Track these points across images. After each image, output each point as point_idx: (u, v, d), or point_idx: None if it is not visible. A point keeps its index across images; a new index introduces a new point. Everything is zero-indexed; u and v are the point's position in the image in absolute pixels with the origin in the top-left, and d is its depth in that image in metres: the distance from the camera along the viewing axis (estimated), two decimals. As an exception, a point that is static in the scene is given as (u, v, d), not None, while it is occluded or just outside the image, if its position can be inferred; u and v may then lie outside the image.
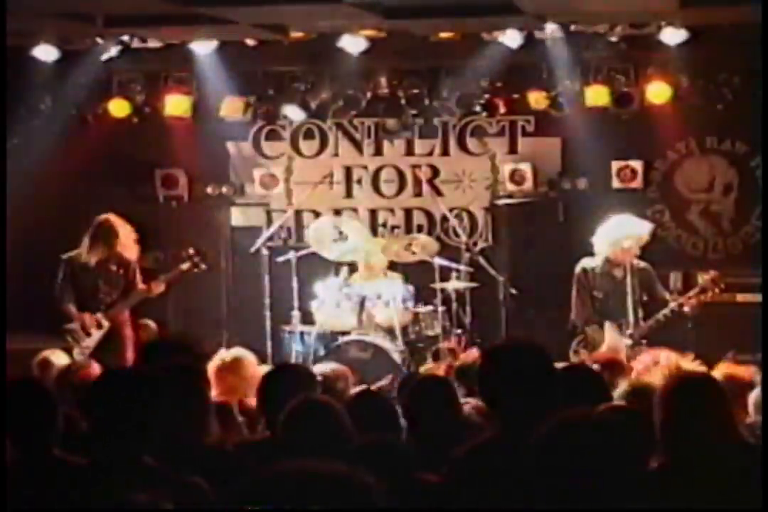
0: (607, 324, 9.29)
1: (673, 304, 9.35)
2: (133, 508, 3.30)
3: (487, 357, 4.32)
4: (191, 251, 9.68)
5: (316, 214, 11.78)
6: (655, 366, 6.62)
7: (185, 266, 9.63)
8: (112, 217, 9.58)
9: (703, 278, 9.48)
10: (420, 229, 11.71)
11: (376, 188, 11.90)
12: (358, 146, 11.89)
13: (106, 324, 9.45)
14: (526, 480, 3.19)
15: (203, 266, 9.68)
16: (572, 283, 9.57)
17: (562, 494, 3.12)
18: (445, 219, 11.51)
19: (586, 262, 9.53)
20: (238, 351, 7.08)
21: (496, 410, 4.21)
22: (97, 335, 9.44)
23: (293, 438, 4.49)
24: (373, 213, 11.87)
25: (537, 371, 4.12)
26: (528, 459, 3.21)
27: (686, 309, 9.30)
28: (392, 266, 10.93)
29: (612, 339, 9.18)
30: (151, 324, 10.03)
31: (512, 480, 3.46)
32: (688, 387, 4.22)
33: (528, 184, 11.43)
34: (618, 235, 9.35)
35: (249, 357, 6.99)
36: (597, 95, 10.67)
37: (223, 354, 6.83)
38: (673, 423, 4.10)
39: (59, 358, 7.78)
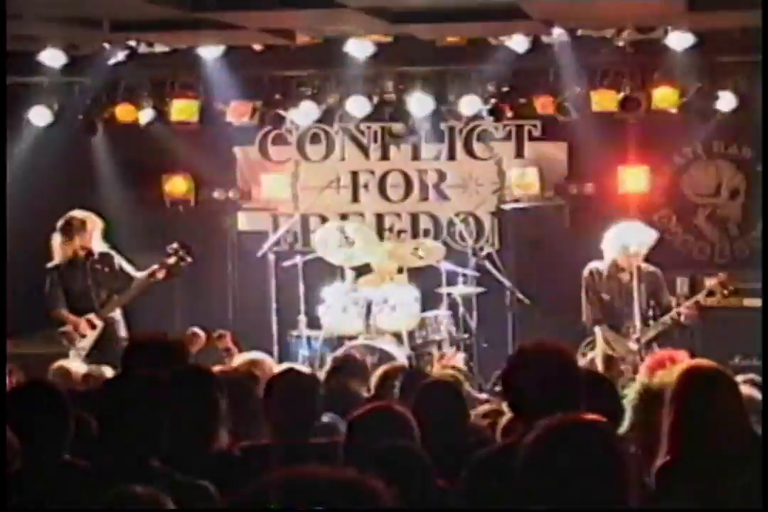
0: (625, 327, 9.29)
1: (680, 308, 9.34)
2: (132, 503, 3.34)
3: (513, 360, 4.28)
4: (175, 245, 9.68)
5: (323, 219, 11.79)
6: (672, 363, 6.56)
7: (171, 260, 9.63)
8: (77, 213, 9.62)
9: (710, 281, 9.47)
10: (426, 233, 11.72)
11: (383, 193, 11.91)
12: (364, 151, 11.90)
13: (99, 324, 9.49)
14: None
15: (189, 259, 9.66)
16: (580, 287, 9.57)
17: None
18: (451, 223, 11.51)
19: (593, 265, 9.53)
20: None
21: (521, 414, 4.17)
22: (91, 336, 9.48)
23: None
24: (380, 217, 11.88)
25: (563, 374, 4.09)
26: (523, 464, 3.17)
27: (683, 317, 9.27)
28: (399, 270, 10.93)
29: (622, 344, 9.18)
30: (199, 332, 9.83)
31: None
32: (702, 380, 4.21)
33: (534, 189, 11.43)
34: (623, 241, 9.35)
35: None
36: (604, 100, 10.66)
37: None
38: (686, 418, 4.08)
39: (77, 367, 7.79)
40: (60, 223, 9.59)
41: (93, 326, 9.50)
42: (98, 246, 9.61)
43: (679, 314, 9.27)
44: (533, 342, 4.34)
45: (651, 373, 6.62)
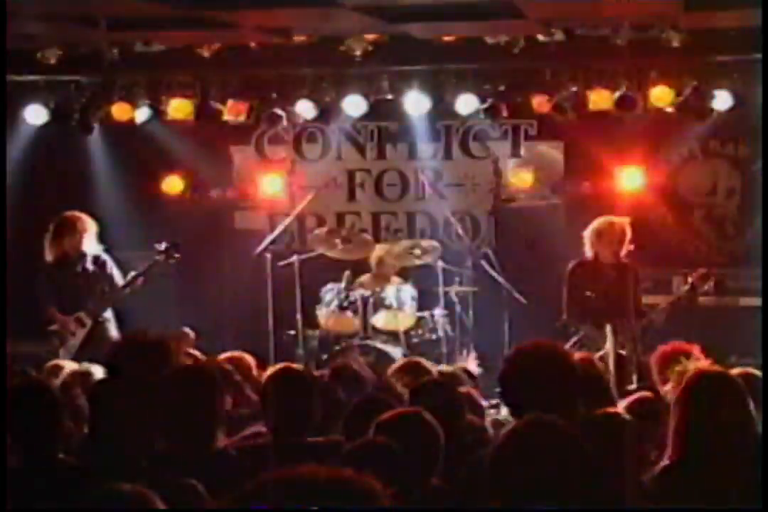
0: (608, 326, 9.25)
1: (664, 304, 9.33)
2: (119, 501, 3.34)
3: (510, 361, 4.29)
4: (164, 245, 9.72)
5: (319, 218, 11.79)
6: (686, 355, 6.54)
7: (159, 257, 9.69)
8: (71, 213, 9.64)
9: (692, 275, 9.44)
10: (423, 232, 11.71)
11: (379, 192, 11.91)
12: (361, 150, 11.89)
13: (89, 322, 9.53)
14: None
15: (177, 255, 9.73)
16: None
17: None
18: (448, 222, 11.50)
19: (576, 262, 9.53)
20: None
21: (519, 414, 4.18)
22: (81, 334, 9.51)
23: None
24: (376, 216, 11.88)
25: (560, 375, 4.10)
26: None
27: (654, 315, 9.25)
28: (395, 270, 10.92)
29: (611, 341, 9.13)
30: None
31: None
32: (709, 384, 4.21)
33: (531, 188, 11.43)
34: (602, 235, 9.34)
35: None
36: (600, 99, 10.66)
37: None
38: (691, 421, 4.09)
39: (70, 365, 7.78)
40: (52, 224, 9.62)
41: (82, 325, 9.54)
42: (91, 247, 9.64)
43: (666, 308, 9.26)
44: (530, 343, 4.35)
45: (663, 365, 6.62)
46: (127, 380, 4.44)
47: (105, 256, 9.74)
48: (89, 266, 9.64)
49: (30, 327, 9.92)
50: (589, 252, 9.45)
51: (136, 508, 3.37)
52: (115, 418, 4.16)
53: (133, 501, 3.40)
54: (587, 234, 9.43)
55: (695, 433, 4.07)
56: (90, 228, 9.61)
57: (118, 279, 9.67)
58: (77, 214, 9.67)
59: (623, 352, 8.95)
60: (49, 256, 9.67)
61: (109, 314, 9.68)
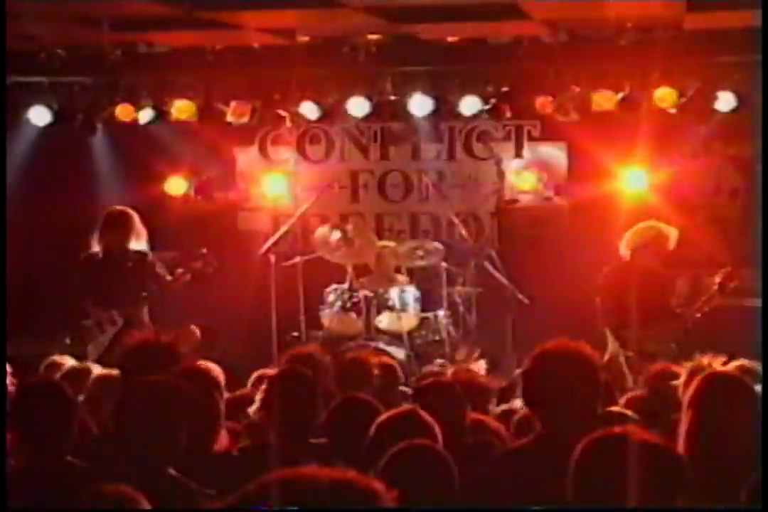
0: (608, 331, 9.21)
1: (699, 303, 9.29)
2: (104, 502, 3.34)
3: (534, 360, 4.30)
4: (204, 250, 9.56)
5: (323, 219, 11.79)
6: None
7: (198, 264, 9.51)
8: (119, 208, 9.51)
9: (719, 275, 9.39)
10: (426, 233, 11.72)
11: (383, 192, 11.91)
12: (364, 151, 11.90)
13: (119, 321, 9.40)
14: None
15: (213, 265, 9.62)
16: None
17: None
18: (451, 223, 11.51)
19: (608, 269, 9.43)
20: None
21: (540, 413, 4.19)
22: (111, 332, 9.40)
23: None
24: (380, 217, 11.88)
25: (584, 376, 4.11)
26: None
27: (688, 316, 9.24)
28: (398, 271, 10.93)
29: (613, 347, 9.10)
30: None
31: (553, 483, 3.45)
32: (722, 386, 4.22)
33: (534, 189, 11.43)
34: (645, 239, 9.27)
35: None
36: (603, 100, 10.67)
37: None
38: (702, 422, 4.09)
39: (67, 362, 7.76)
40: (100, 217, 9.41)
41: (114, 322, 9.38)
42: (134, 243, 9.42)
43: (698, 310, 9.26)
44: (556, 343, 4.35)
45: (652, 383, 6.62)
46: (141, 382, 4.44)
47: (147, 253, 9.56)
48: (129, 263, 9.41)
49: (35, 326, 9.93)
50: (625, 254, 9.32)
51: (127, 508, 3.36)
52: (137, 420, 4.17)
53: (118, 501, 3.39)
54: (630, 237, 9.29)
55: (706, 435, 4.08)
56: (137, 224, 9.39)
57: (162, 279, 9.41)
58: (125, 209, 9.42)
59: (624, 355, 8.95)
60: (92, 250, 9.45)
61: (144, 315, 9.48)
